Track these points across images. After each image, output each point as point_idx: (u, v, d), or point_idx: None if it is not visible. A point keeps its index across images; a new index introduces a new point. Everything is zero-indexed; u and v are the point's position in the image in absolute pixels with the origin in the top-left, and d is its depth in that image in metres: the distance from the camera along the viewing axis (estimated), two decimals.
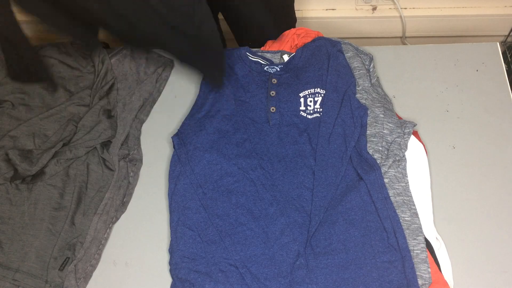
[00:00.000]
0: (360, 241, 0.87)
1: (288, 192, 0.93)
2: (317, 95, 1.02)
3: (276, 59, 1.10)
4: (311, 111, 1.01)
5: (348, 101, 1.00)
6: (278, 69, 1.07)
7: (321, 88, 1.03)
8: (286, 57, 1.09)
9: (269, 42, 1.15)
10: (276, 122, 1.01)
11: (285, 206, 0.92)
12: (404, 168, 0.94)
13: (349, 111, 0.99)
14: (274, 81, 1.05)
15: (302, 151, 0.97)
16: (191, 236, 0.90)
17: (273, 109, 1.02)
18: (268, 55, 1.11)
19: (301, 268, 0.85)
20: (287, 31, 1.14)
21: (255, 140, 0.99)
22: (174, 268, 0.88)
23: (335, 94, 1.01)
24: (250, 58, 1.09)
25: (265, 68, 1.07)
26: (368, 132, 0.98)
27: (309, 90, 1.03)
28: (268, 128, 1.01)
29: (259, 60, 1.09)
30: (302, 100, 1.03)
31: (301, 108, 1.02)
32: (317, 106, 1.01)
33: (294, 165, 0.96)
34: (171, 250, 0.90)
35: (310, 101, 1.02)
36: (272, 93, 1.04)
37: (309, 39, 1.09)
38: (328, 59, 1.05)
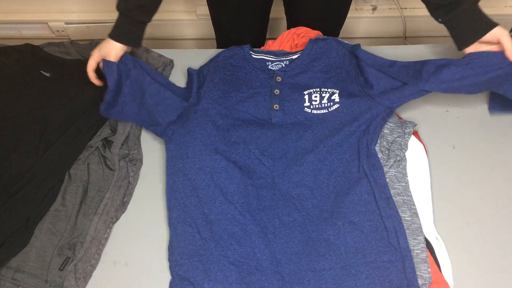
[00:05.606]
0: (361, 241, 0.87)
1: (288, 190, 0.93)
2: (323, 92, 1.01)
3: (281, 57, 1.09)
4: (317, 106, 1.00)
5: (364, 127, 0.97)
6: (284, 65, 1.06)
7: (329, 88, 1.02)
8: (294, 56, 1.07)
9: (269, 42, 1.15)
10: (278, 120, 1.00)
11: (285, 205, 0.91)
12: (404, 168, 0.94)
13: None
14: (278, 79, 1.04)
15: (304, 148, 0.96)
16: (191, 233, 0.90)
17: (276, 107, 1.01)
18: (271, 56, 1.09)
19: (301, 268, 0.85)
20: (287, 31, 1.14)
21: (256, 135, 0.99)
22: (174, 265, 0.88)
23: (348, 101, 0.99)
24: (253, 56, 1.09)
25: (269, 66, 1.07)
26: None
27: (314, 89, 1.02)
28: (270, 124, 1.00)
29: (263, 57, 1.08)
30: (306, 97, 1.01)
31: (305, 105, 1.01)
32: (324, 101, 1.00)
33: (295, 162, 0.95)
34: (171, 247, 0.90)
35: (315, 97, 1.01)
36: (276, 92, 1.03)
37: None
38: (346, 62, 1.04)
